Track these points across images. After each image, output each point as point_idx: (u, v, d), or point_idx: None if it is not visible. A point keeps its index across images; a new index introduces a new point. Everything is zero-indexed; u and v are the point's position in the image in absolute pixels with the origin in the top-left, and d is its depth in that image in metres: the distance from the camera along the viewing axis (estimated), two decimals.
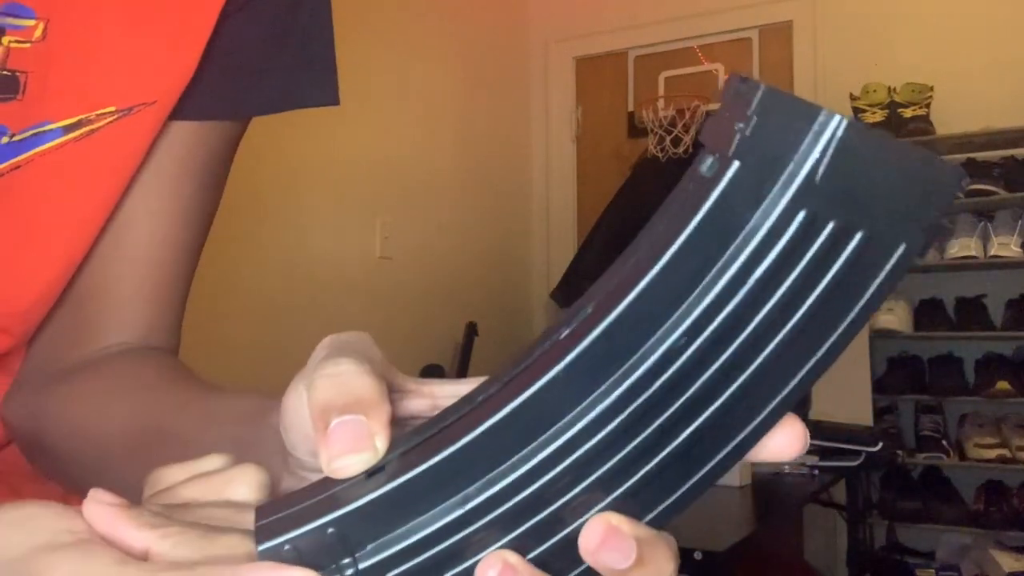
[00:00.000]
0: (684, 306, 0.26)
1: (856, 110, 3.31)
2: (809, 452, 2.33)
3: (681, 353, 0.26)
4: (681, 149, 3.53)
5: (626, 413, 0.27)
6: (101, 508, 0.28)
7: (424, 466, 0.27)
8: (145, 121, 0.53)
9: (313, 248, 2.78)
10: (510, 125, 3.90)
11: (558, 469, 0.27)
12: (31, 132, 0.50)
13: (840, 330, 0.27)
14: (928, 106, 3.24)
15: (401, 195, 3.14)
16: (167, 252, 0.56)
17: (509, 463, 0.27)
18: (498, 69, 3.82)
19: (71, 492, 0.59)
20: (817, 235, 0.26)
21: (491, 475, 0.27)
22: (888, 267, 0.27)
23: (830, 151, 0.25)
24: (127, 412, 0.49)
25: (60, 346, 0.56)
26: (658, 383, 0.27)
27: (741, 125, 0.25)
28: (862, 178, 0.26)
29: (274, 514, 0.27)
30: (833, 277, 0.27)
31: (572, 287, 3.55)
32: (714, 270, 0.26)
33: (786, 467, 2.30)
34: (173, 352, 0.58)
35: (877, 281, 0.27)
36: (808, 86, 3.55)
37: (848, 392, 2.73)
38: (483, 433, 0.27)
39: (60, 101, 0.51)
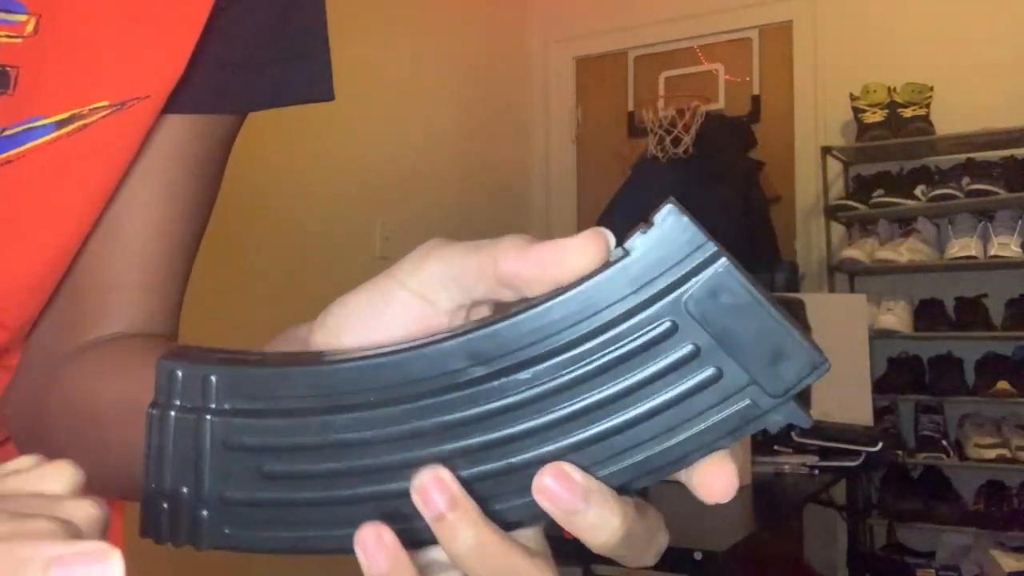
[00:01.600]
0: (542, 347, 0.29)
1: (856, 110, 3.31)
2: (809, 452, 2.33)
3: (523, 389, 0.29)
4: (681, 149, 3.53)
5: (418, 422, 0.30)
6: None
7: (306, 366, 0.31)
8: (139, 115, 0.53)
9: (313, 248, 2.77)
10: (510, 125, 3.90)
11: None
12: (22, 127, 0.50)
13: (662, 447, 0.29)
14: (928, 106, 3.24)
15: (401, 195, 3.14)
16: (163, 244, 0.57)
17: (364, 400, 0.30)
18: (498, 69, 3.82)
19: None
20: (673, 348, 0.28)
21: (350, 402, 0.30)
22: (727, 412, 0.28)
23: (701, 281, 0.28)
24: (128, 382, 0.49)
25: (59, 337, 0.56)
26: (487, 406, 0.29)
27: (644, 226, 0.29)
28: (727, 322, 0.28)
29: (188, 350, 0.32)
30: (676, 395, 0.28)
31: None
32: (581, 330, 0.29)
33: (786, 467, 2.30)
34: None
35: (714, 419, 0.28)
36: (808, 86, 3.55)
37: (848, 392, 2.72)
38: (354, 367, 0.30)
39: (52, 96, 0.51)
